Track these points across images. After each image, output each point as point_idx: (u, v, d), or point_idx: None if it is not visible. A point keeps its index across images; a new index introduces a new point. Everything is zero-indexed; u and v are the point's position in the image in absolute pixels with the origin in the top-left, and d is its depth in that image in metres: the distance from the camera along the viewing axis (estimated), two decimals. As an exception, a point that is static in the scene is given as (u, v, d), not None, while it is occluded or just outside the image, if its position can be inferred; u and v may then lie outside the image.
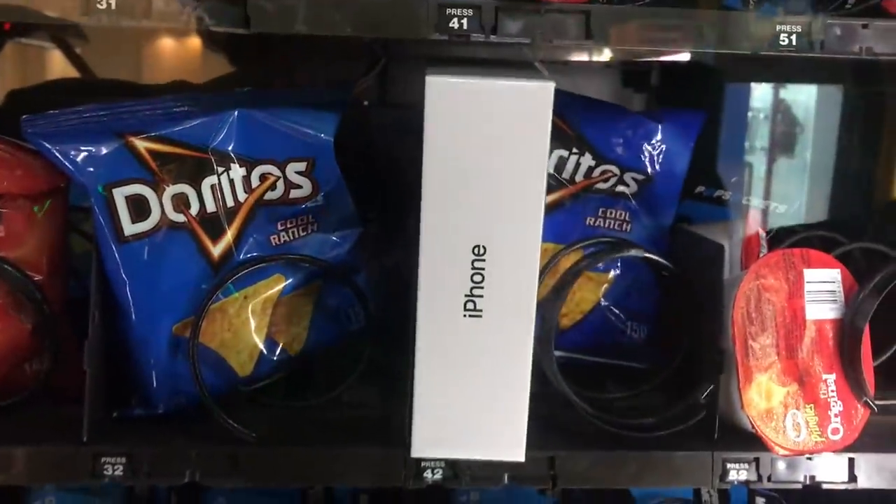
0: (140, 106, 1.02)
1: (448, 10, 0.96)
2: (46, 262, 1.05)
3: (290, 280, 1.07)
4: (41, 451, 1.00)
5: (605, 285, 1.18)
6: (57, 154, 0.96)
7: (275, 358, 1.09)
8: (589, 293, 1.17)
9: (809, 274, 1.06)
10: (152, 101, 1.04)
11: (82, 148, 0.96)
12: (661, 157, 1.17)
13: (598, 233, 1.16)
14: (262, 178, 1.04)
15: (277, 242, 1.06)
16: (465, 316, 0.92)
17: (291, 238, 1.07)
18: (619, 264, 1.17)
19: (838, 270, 1.07)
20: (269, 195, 1.05)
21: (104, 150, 0.97)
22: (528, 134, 0.87)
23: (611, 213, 1.17)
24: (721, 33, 1.01)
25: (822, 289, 1.06)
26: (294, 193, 1.06)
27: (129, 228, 0.98)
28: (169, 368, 1.03)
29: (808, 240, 1.27)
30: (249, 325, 1.06)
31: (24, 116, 0.98)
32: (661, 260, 1.09)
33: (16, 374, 1.05)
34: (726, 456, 1.05)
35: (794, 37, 1.01)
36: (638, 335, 1.18)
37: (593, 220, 1.16)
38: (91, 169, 0.97)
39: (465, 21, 0.97)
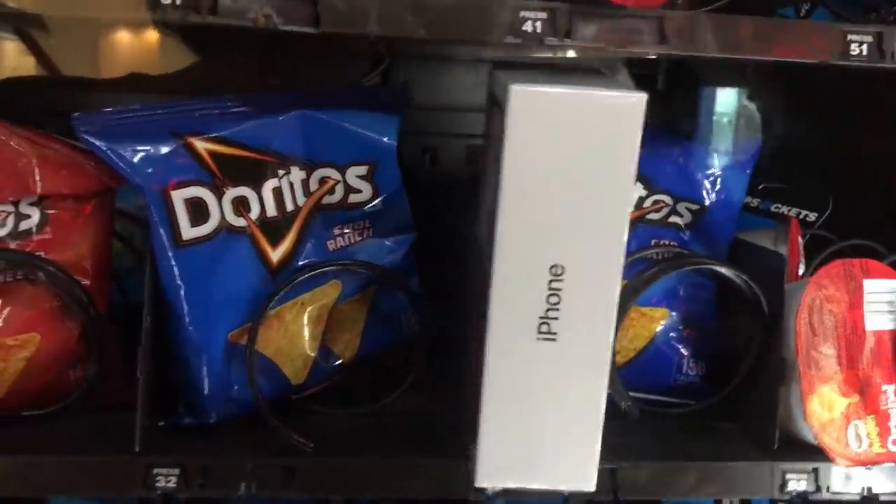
0: (195, 105, 0.98)
1: (522, 13, 0.94)
2: (93, 266, 1.02)
3: (346, 286, 1.04)
4: (92, 462, 0.97)
5: (661, 321, 1.14)
6: (112, 154, 0.92)
7: (328, 365, 1.06)
8: (642, 329, 1.13)
9: (869, 284, 1.06)
10: (206, 100, 0.99)
11: (140, 148, 0.92)
12: (717, 185, 1.15)
13: (648, 264, 1.11)
14: (322, 181, 1.01)
15: (334, 247, 1.03)
16: (538, 339, 0.89)
17: (348, 243, 1.04)
18: (673, 298, 1.14)
19: (896, 281, 1.07)
20: (328, 199, 1.02)
21: (163, 150, 0.93)
22: (616, 148, 0.85)
23: (662, 244, 1.14)
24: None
25: (882, 299, 1.06)
26: (353, 198, 1.03)
27: (188, 232, 0.94)
28: (222, 376, 1.00)
29: (842, 250, 1.26)
30: (305, 331, 1.02)
31: (75, 114, 0.94)
32: (735, 273, 1.07)
33: (60, 379, 1.02)
34: (786, 467, 1.04)
35: (864, 46, 0.99)
36: (694, 372, 1.16)
37: (645, 251, 1.13)
38: (149, 170, 0.93)
39: (538, 24, 0.94)
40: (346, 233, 1.04)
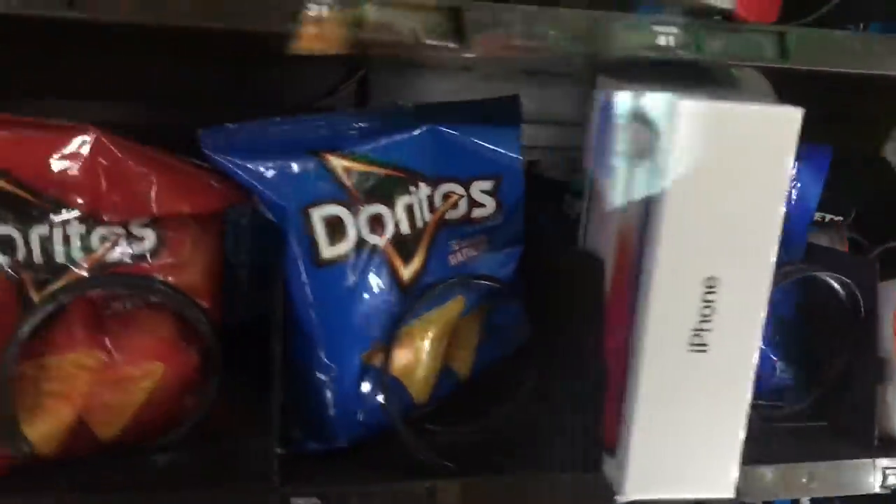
0: (320, 121, 0.95)
1: (655, 28, 0.95)
2: (210, 289, 0.97)
3: (469, 302, 1.03)
4: (233, 493, 0.93)
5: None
6: (245, 172, 0.89)
7: (448, 382, 1.04)
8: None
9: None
10: (329, 116, 0.96)
11: (275, 165, 0.89)
12: (795, 193, 1.18)
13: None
14: (446, 196, 1.00)
15: (455, 262, 1.02)
16: (689, 350, 0.91)
17: (466, 257, 1.03)
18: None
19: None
20: (451, 214, 1.00)
21: (300, 168, 0.90)
22: (772, 161, 0.87)
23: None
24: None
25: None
26: (476, 212, 1.01)
27: (327, 251, 0.91)
28: (353, 398, 0.97)
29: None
30: (431, 350, 1.01)
31: (201, 130, 0.89)
32: (836, 277, 1.10)
33: (177, 409, 0.97)
34: (886, 463, 1.09)
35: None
36: (787, 375, 1.19)
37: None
38: (287, 188, 0.89)
39: (671, 38, 0.96)
40: (465, 247, 1.03)
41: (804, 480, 1.07)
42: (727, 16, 0.96)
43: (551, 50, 0.92)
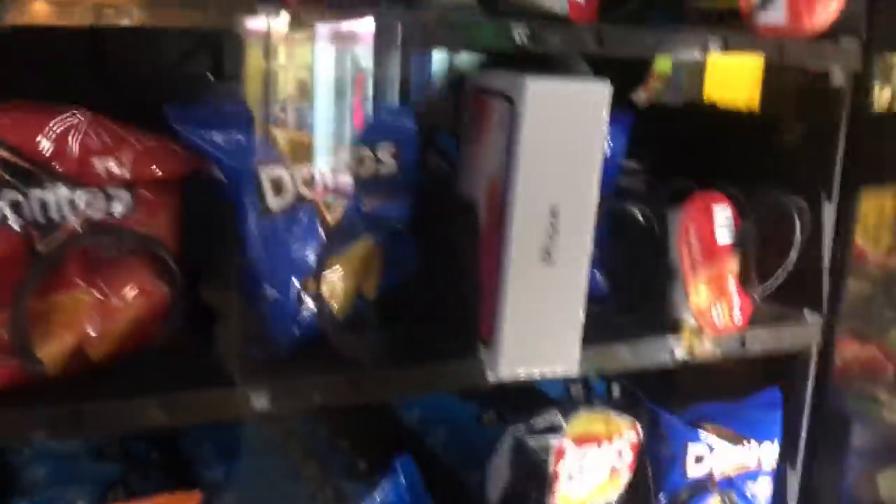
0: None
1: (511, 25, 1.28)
2: (174, 238, 1.21)
3: (376, 240, 1.33)
4: (201, 395, 1.19)
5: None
6: (206, 142, 1.14)
7: (359, 303, 1.34)
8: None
9: (718, 211, 1.53)
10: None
11: (230, 136, 1.16)
12: (607, 147, 1.51)
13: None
14: (359, 160, 1.28)
15: (366, 210, 1.31)
16: (541, 263, 1.26)
17: (374, 206, 1.32)
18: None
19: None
20: (365, 173, 1.29)
21: (249, 138, 1.17)
22: (591, 120, 1.23)
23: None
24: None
25: (725, 222, 1.54)
26: (382, 171, 1.31)
27: (272, 203, 1.19)
28: (292, 317, 1.25)
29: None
30: (348, 278, 1.30)
31: (167, 106, 1.14)
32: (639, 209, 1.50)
33: (153, 332, 1.21)
34: (674, 343, 1.51)
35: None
36: (605, 285, 1.56)
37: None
38: (240, 154, 1.16)
39: (522, 35, 1.28)
40: (373, 198, 1.32)
41: (619, 357, 1.47)
42: (562, 18, 1.29)
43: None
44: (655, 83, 2.48)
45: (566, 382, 1.95)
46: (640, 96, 2.18)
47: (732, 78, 2.13)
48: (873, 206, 1.79)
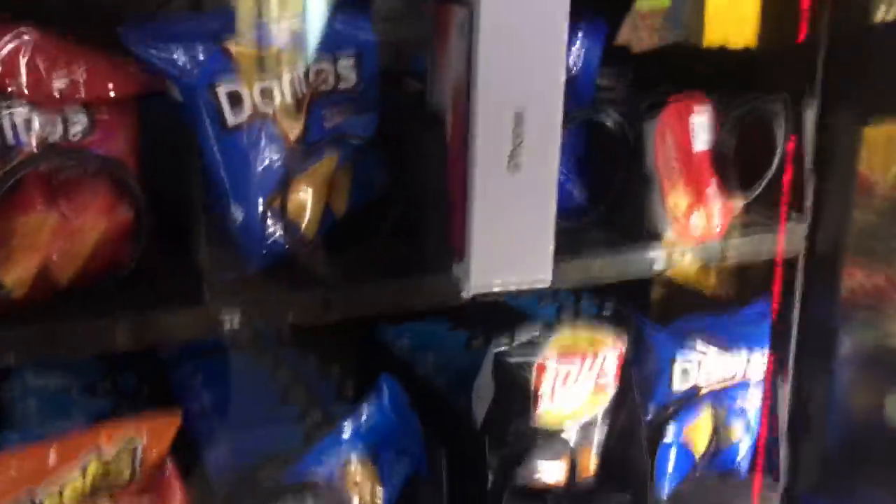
0: (216, 16, 1.20)
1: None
2: (133, 159, 1.21)
3: (341, 157, 1.32)
4: (170, 315, 1.19)
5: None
6: (161, 59, 1.13)
7: (329, 221, 1.34)
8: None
9: (694, 117, 1.51)
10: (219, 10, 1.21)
11: (186, 52, 1.14)
12: (581, 57, 1.51)
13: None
14: (318, 73, 1.27)
15: (328, 126, 1.30)
16: (507, 171, 1.23)
17: (336, 122, 1.31)
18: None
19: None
20: (323, 87, 1.28)
21: (205, 54, 1.15)
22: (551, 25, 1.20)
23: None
24: None
25: (701, 127, 1.52)
26: (342, 85, 1.29)
27: (231, 119, 1.18)
28: (258, 236, 1.25)
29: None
30: (315, 195, 1.29)
31: (122, 26, 1.12)
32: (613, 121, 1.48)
33: (118, 255, 1.21)
34: (652, 253, 1.50)
35: None
36: (582, 198, 1.54)
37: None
38: (196, 70, 1.14)
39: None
40: (335, 113, 1.30)
41: (597, 269, 1.46)
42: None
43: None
44: (653, 19, 2.43)
45: (557, 306, 1.96)
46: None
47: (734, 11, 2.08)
48: (882, 134, 1.76)
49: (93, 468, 1.17)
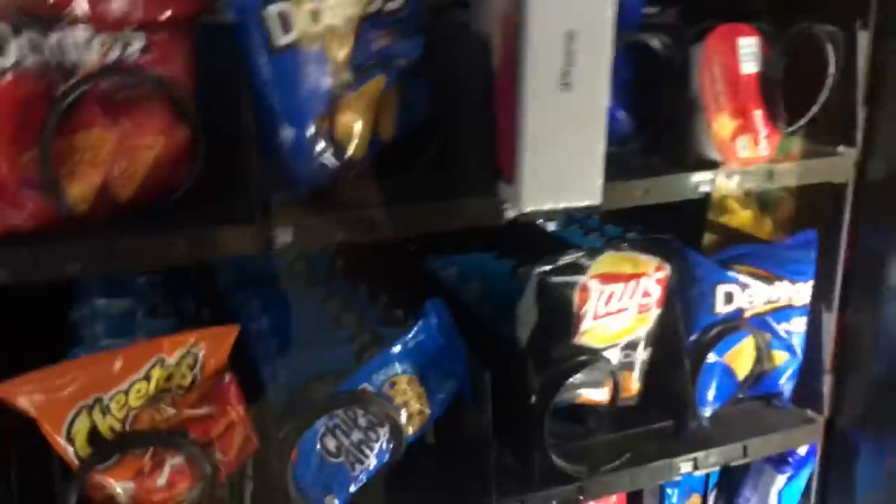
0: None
1: None
2: (189, 80, 1.25)
3: (388, 79, 1.34)
4: (227, 232, 1.24)
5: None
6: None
7: (376, 144, 1.36)
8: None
9: (742, 41, 1.49)
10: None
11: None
12: None
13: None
14: (364, -7, 1.29)
15: (375, 48, 1.32)
16: (559, 89, 1.24)
17: (383, 44, 1.33)
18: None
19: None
20: (369, 9, 1.30)
21: (256, -25, 1.18)
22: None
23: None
24: None
25: (749, 51, 1.50)
26: (388, 7, 1.31)
27: (280, 40, 1.21)
28: (309, 157, 1.28)
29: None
30: (363, 117, 1.32)
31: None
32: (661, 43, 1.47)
33: (175, 175, 1.26)
34: (699, 177, 1.50)
35: None
36: (629, 125, 1.54)
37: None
38: (247, -7, 1.18)
39: None
40: (381, 36, 1.32)
41: (642, 192, 1.47)
42: None
43: None
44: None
45: (604, 238, 1.97)
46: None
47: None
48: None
49: (157, 373, 1.23)
